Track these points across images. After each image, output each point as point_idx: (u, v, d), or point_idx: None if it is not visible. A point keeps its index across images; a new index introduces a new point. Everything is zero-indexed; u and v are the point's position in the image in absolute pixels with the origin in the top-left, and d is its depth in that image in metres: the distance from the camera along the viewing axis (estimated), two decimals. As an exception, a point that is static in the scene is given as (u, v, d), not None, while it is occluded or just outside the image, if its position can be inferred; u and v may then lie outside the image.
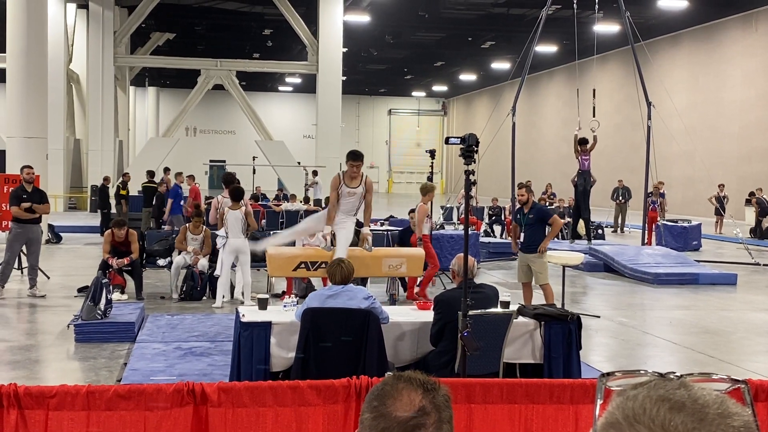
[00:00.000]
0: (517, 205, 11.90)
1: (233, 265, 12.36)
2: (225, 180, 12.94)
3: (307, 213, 19.92)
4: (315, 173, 28.89)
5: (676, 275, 15.56)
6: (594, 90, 19.39)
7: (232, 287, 12.85)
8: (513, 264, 17.96)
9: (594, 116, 18.46)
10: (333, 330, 6.40)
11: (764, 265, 18.24)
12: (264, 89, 59.97)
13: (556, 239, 16.16)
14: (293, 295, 9.76)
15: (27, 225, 12.47)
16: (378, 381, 1.92)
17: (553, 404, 5.09)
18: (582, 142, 18.65)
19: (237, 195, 12.14)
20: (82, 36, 35.34)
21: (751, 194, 27.33)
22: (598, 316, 11.71)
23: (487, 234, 22.89)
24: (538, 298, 11.10)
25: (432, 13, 35.19)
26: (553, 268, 11.90)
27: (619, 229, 26.91)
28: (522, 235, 11.14)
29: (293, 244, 12.23)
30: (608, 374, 1.34)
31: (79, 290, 12.41)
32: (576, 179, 19.21)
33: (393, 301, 12.20)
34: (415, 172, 62.78)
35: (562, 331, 7.02)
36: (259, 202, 25.22)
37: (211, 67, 35.45)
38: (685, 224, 22.37)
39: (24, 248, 12.98)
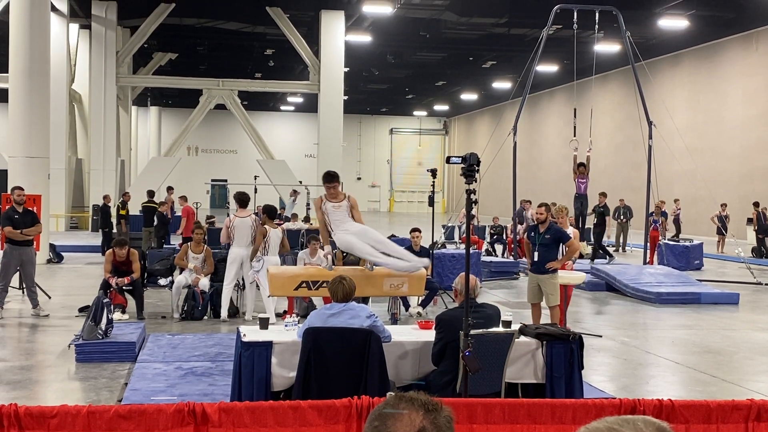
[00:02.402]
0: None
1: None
2: (240, 199, 12.89)
3: (309, 232, 19.90)
4: (295, 192, 28.91)
5: (678, 295, 15.53)
6: (591, 110, 19.43)
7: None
8: (515, 283, 17.98)
9: (589, 136, 18.51)
10: (334, 349, 6.38)
11: (766, 284, 18.22)
12: (266, 109, 60.14)
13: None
14: (294, 315, 9.74)
15: (21, 247, 12.44)
16: (379, 401, 1.92)
17: (555, 424, 5.07)
18: (580, 165, 18.70)
19: (273, 213, 12.64)
20: (84, 56, 35.50)
21: (756, 204, 27.17)
22: (600, 336, 11.68)
23: (488, 253, 22.89)
24: (543, 319, 11.07)
25: (433, 33, 35.36)
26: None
27: (620, 248, 26.89)
28: (535, 254, 10.83)
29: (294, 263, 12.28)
30: None
31: (80, 310, 12.39)
32: (573, 203, 19.29)
33: (394, 320, 12.18)
34: (417, 191, 62.89)
35: (564, 351, 7.00)
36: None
37: (213, 87, 35.56)
38: (687, 243, 22.36)
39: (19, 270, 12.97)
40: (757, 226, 26.52)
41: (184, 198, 23.28)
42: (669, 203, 27.09)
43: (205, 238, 13.80)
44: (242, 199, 12.77)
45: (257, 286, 12.31)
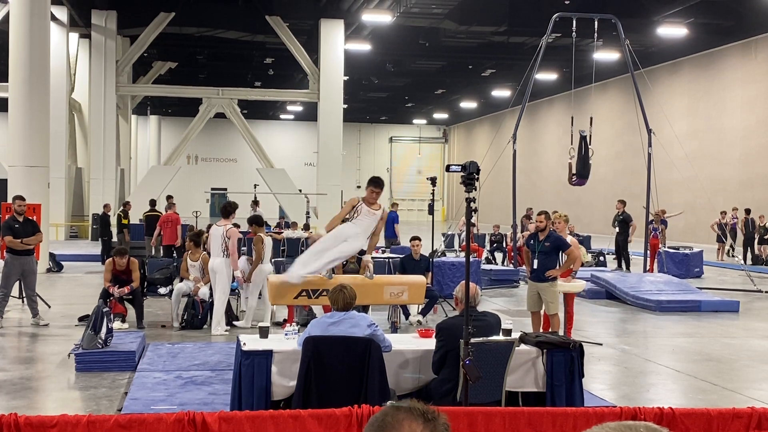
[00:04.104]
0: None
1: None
2: (221, 209, 12.89)
3: (309, 240, 19.92)
4: (256, 203, 28.80)
5: (679, 302, 15.51)
6: (591, 118, 19.42)
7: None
8: (515, 291, 17.96)
9: (590, 144, 18.48)
10: (335, 358, 6.37)
11: (766, 292, 18.20)
12: (265, 117, 60.21)
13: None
14: (294, 324, 9.74)
15: (22, 256, 12.41)
16: (379, 410, 1.91)
17: (556, 433, 5.06)
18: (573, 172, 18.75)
19: (260, 222, 12.99)
20: (84, 65, 35.56)
21: (747, 211, 27.19)
22: (601, 344, 11.66)
23: (488, 261, 22.88)
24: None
25: (432, 42, 35.43)
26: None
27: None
28: (534, 262, 10.78)
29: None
30: None
31: (80, 319, 12.38)
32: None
33: (394, 329, 12.16)
34: (417, 200, 62.91)
35: (565, 359, 6.99)
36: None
37: (212, 96, 35.61)
38: (687, 251, 22.35)
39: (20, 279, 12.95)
40: (745, 232, 26.60)
41: (169, 204, 22.78)
42: (672, 210, 26.99)
43: (205, 246, 13.77)
44: (223, 209, 12.73)
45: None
